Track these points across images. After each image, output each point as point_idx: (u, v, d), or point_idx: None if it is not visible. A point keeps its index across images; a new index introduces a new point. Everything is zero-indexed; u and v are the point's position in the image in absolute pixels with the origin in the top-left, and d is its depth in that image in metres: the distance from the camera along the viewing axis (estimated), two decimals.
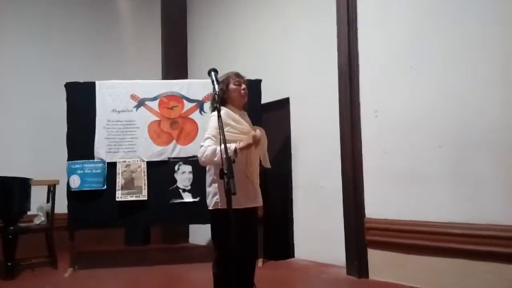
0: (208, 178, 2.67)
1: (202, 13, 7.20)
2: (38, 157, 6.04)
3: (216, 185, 2.59)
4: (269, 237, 5.11)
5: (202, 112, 5.00)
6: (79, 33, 6.82)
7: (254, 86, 4.79)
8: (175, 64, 7.38)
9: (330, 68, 4.58)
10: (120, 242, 6.59)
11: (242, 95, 2.74)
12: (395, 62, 4.06)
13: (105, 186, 4.80)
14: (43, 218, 5.04)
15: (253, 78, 4.67)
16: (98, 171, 4.81)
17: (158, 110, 5.00)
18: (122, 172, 4.84)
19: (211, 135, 2.53)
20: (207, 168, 2.69)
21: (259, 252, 4.70)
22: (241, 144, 2.50)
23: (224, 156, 2.24)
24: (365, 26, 4.32)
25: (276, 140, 5.36)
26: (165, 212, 4.84)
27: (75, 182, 4.75)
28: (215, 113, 2.49)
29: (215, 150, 2.44)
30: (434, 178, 3.68)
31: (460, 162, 3.51)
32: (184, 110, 5.03)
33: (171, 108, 5.02)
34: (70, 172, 4.77)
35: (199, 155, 2.57)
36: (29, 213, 4.96)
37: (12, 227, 4.64)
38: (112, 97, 4.96)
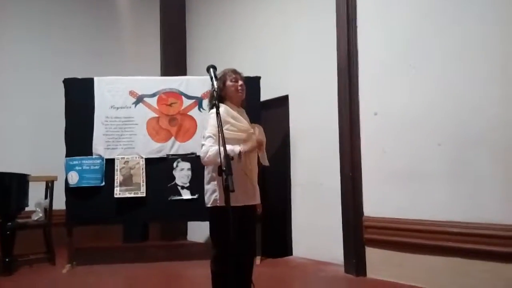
0: (207, 175, 2.66)
1: (201, 10, 7.19)
2: (36, 153, 6.03)
3: (214, 182, 2.58)
4: (267, 234, 5.12)
5: (201, 109, 4.99)
6: (78, 30, 6.81)
7: (253, 83, 4.79)
8: (174, 61, 7.37)
9: (329, 66, 4.57)
10: (118, 239, 6.59)
11: (239, 92, 2.72)
12: (394, 61, 4.05)
13: (103, 183, 4.79)
14: (41, 214, 5.04)
15: (252, 75, 4.66)
16: (96, 167, 4.80)
17: (157, 107, 4.99)
18: (120, 169, 4.83)
19: (212, 134, 2.51)
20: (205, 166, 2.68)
21: (257, 249, 4.71)
22: (246, 148, 2.49)
23: (223, 153, 2.23)
24: (364, 24, 4.31)
25: (275, 138, 5.36)
26: (164, 209, 4.83)
27: (73, 178, 4.74)
28: (214, 110, 2.48)
29: (218, 151, 2.41)
30: (432, 176, 3.69)
31: (459, 160, 3.51)
32: (183, 107, 5.02)
33: (170, 105, 5.01)
34: (68, 168, 4.77)
35: (201, 155, 2.54)
36: (27, 209, 4.97)
37: (10, 223, 4.64)
38: (111, 93, 4.94)
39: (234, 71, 2.75)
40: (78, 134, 4.84)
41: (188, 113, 5.01)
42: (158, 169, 4.88)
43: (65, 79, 4.93)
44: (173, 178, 4.91)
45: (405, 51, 3.96)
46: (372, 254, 4.14)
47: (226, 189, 2.12)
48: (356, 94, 4.31)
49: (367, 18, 4.30)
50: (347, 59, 4.36)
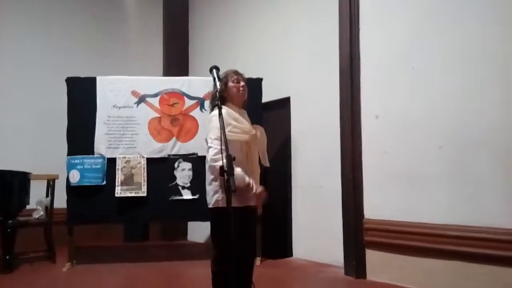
0: (208, 176, 2.66)
1: (204, 11, 7.20)
2: (38, 152, 6.03)
3: (216, 183, 2.58)
4: (267, 235, 5.12)
5: (203, 110, 5.00)
6: (80, 28, 6.80)
7: (255, 84, 4.80)
8: (176, 62, 7.37)
9: (330, 68, 4.58)
10: (119, 238, 6.59)
11: (241, 93, 2.72)
12: (395, 62, 4.06)
13: (105, 182, 4.80)
14: (42, 213, 5.05)
15: (254, 76, 4.67)
16: (98, 166, 4.81)
17: (159, 107, 5.00)
18: (121, 168, 4.84)
19: (217, 136, 2.47)
20: (207, 166, 2.68)
21: (257, 250, 4.71)
22: (255, 189, 2.52)
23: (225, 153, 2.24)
24: (367, 26, 4.32)
25: (276, 139, 5.37)
26: (164, 209, 4.84)
27: (75, 177, 4.75)
28: (216, 112, 2.47)
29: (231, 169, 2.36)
30: (433, 179, 3.69)
31: (460, 163, 3.51)
32: (184, 107, 5.03)
33: (172, 105, 5.02)
34: (70, 167, 4.78)
35: (209, 157, 2.51)
36: (28, 207, 4.97)
37: (11, 221, 4.65)
38: (113, 93, 4.95)
39: (236, 72, 2.75)
40: (80, 133, 4.85)
41: (190, 114, 5.02)
42: (159, 169, 4.88)
43: (67, 78, 4.94)
44: (174, 178, 4.91)
45: (406, 52, 3.97)
46: (372, 256, 4.14)
47: (228, 190, 2.12)
48: (357, 96, 4.32)
49: (369, 20, 4.31)
50: (349, 60, 4.36)
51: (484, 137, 3.37)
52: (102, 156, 4.84)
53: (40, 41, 6.48)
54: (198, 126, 4.99)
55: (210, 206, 2.62)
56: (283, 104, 5.47)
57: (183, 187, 4.90)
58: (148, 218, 5.31)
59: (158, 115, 4.98)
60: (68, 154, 4.82)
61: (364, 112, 4.28)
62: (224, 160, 2.25)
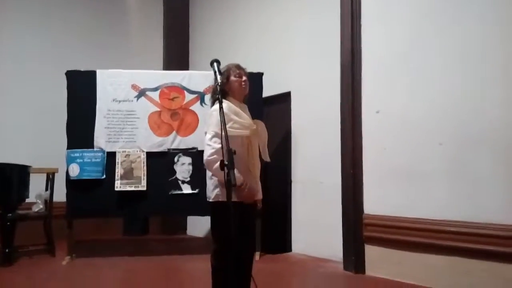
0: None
1: (204, 5, 7.17)
2: (37, 145, 6.02)
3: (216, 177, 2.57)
4: (267, 230, 5.12)
5: (203, 104, 4.99)
6: (80, 22, 6.77)
7: (256, 79, 4.78)
8: (177, 56, 7.36)
9: (332, 63, 4.57)
10: (118, 232, 6.60)
11: (243, 87, 2.71)
12: (397, 60, 4.05)
13: (104, 176, 4.80)
14: (41, 206, 5.06)
15: (255, 71, 4.65)
16: (98, 160, 4.81)
17: (159, 101, 4.99)
18: (121, 162, 4.84)
19: (216, 132, 2.47)
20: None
21: (257, 245, 4.72)
22: (243, 190, 2.48)
23: (225, 148, 2.23)
24: (368, 22, 4.30)
25: (277, 134, 5.36)
26: (164, 203, 4.84)
27: (74, 170, 4.75)
28: (216, 107, 2.46)
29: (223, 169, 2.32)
30: (433, 175, 3.69)
31: (459, 160, 3.51)
32: (185, 102, 5.02)
33: (172, 99, 5.00)
34: (70, 160, 4.77)
35: (205, 157, 2.51)
36: (27, 200, 4.97)
37: (10, 214, 4.65)
38: (113, 87, 4.94)
39: (238, 66, 2.74)
40: (80, 126, 4.84)
41: (190, 108, 5.01)
42: (159, 163, 4.88)
43: (67, 71, 4.93)
44: (174, 172, 4.91)
45: (407, 50, 3.96)
46: (371, 252, 4.14)
47: (228, 184, 2.12)
48: (358, 92, 4.31)
49: (371, 17, 4.29)
50: (350, 56, 4.35)
51: (483, 135, 3.37)
52: (102, 150, 4.84)
53: (40, 35, 6.46)
54: (198, 120, 4.98)
55: (210, 200, 2.62)
56: (284, 99, 5.46)
57: (183, 182, 4.90)
58: (148, 212, 5.32)
59: (158, 109, 4.97)
60: (68, 148, 4.81)
61: (364, 108, 4.28)
62: (225, 154, 2.24)
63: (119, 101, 4.93)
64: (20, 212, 4.84)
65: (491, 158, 3.32)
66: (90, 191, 4.75)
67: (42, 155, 5.55)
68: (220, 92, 2.49)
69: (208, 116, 2.62)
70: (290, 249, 5.26)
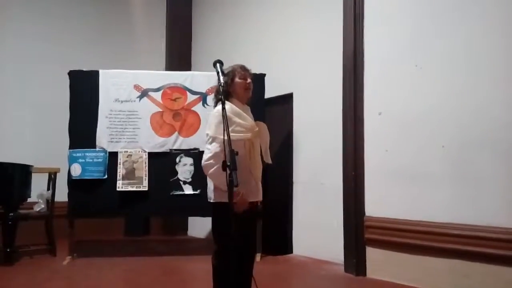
0: None
1: (207, 7, 7.17)
2: (39, 145, 6.03)
3: None
4: (268, 232, 5.12)
5: (205, 105, 4.99)
6: (83, 22, 6.78)
7: (258, 80, 4.76)
8: (179, 56, 7.37)
9: (334, 64, 4.56)
10: (120, 232, 6.60)
11: (247, 90, 2.69)
12: (399, 61, 4.04)
13: (106, 176, 4.80)
14: (43, 206, 5.06)
15: (257, 72, 4.64)
16: (100, 160, 4.81)
17: (161, 101, 4.99)
18: (123, 162, 4.84)
19: (216, 135, 2.48)
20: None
21: (258, 246, 4.71)
22: (239, 205, 2.44)
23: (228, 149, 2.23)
24: (371, 23, 4.30)
25: (278, 136, 5.36)
26: (165, 203, 4.84)
27: (76, 170, 4.75)
28: (219, 107, 2.46)
29: (223, 176, 2.27)
30: (435, 177, 3.68)
31: (461, 162, 3.51)
32: (187, 102, 5.02)
33: (174, 100, 5.01)
34: (72, 160, 4.78)
35: (203, 161, 2.53)
36: (29, 200, 4.98)
37: (12, 213, 4.66)
38: (116, 87, 4.95)
39: (244, 68, 2.72)
40: (82, 126, 4.85)
41: (192, 109, 5.02)
42: (161, 163, 4.88)
43: (70, 71, 4.94)
44: (176, 173, 4.91)
45: (410, 51, 3.96)
46: (373, 254, 4.14)
47: (230, 184, 2.12)
48: (361, 93, 4.31)
49: (373, 18, 4.29)
50: (353, 57, 4.35)
51: (486, 136, 3.36)
52: (104, 150, 4.84)
53: (43, 35, 6.46)
54: (200, 121, 4.98)
55: (211, 201, 2.61)
56: (286, 100, 5.46)
57: (184, 182, 4.90)
58: (149, 212, 5.32)
59: (160, 110, 4.98)
60: (70, 148, 4.82)
61: (367, 109, 4.27)
62: (228, 155, 2.24)
63: (122, 101, 4.93)
64: (21, 211, 4.84)
65: (493, 161, 3.31)
66: (92, 191, 4.75)
67: (44, 155, 5.57)
68: (223, 93, 2.49)
69: (211, 116, 2.62)
70: (291, 251, 5.25)
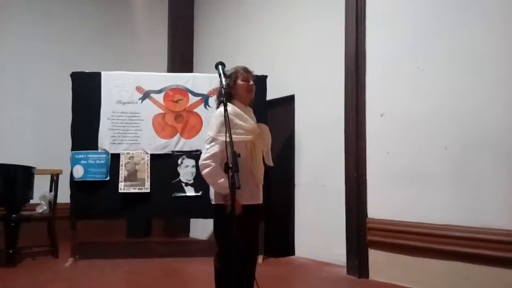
0: None
1: (209, 8, 7.19)
2: (42, 147, 6.05)
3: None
4: (270, 234, 5.11)
5: (207, 106, 5.00)
6: (85, 23, 6.81)
7: (260, 82, 4.77)
8: (181, 58, 7.38)
9: (336, 66, 4.56)
10: (122, 234, 6.60)
11: (250, 92, 2.70)
12: (401, 62, 4.04)
13: (108, 177, 4.81)
14: (45, 207, 5.06)
15: (259, 74, 4.64)
16: (102, 161, 4.82)
17: (163, 103, 5.00)
18: (125, 164, 4.84)
19: (215, 135, 2.50)
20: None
21: (260, 248, 4.71)
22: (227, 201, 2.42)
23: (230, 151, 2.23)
24: (373, 25, 4.30)
25: (280, 137, 5.36)
26: (167, 205, 4.84)
27: (79, 172, 4.76)
28: (221, 109, 2.46)
29: (216, 175, 2.43)
30: (437, 179, 3.67)
31: (463, 164, 3.50)
32: (189, 104, 5.02)
33: (176, 102, 5.01)
34: (74, 162, 4.78)
35: (201, 159, 2.53)
36: (31, 201, 4.98)
37: (14, 215, 4.66)
38: (118, 88, 4.95)
39: (246, 70, 2.71)
40: (84, 128, 4.85)
41: (194, 110, 5.02)
42: (163, 165, 4.89)
43: (72, 72, 4.95)
44: (178, 174, 4.91)
45: (412, 52, 3.95)
46: (375, 256, 4.13)
47: (233, 186, 2.12)
48: (363, 95, 4.30)
49: (375, 19, 4.29)
50: (355, 59, 4.34)
51: (488, 137, 3.36)
52: (106, 152, 4.85)
53: (43, 34, 6.47)
54: (202, 122, 4.98)
55: (213, 202, 2.61)
56: (288, 101, 5.46)
57: (186, 184, 4.90)
58: (151, 214, 5.31)
59: (162, 111, 4.98)
60: (72, 149, 4.82)
61: (368, 111, 4.27)
62: (230, 157, 2.24)
63: (124, 103, 4.94)
64: (24, 213, 4.85)
65: (495, 162, 3.31)
66: (94, 193, 4.75)
67: (46, 156, 5.57)
68: (225, 95, 2.49)
69: (212, 118, 2.62)
70: (293, 253, 5.24)
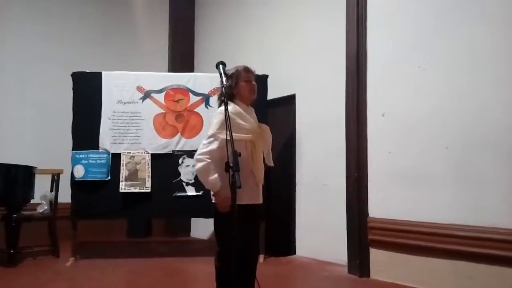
0: None
1: (209, 8, 7.18)
2: (43, 146, 6.05)
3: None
4: (270, 233, 5.11)
5: (208, 106, 5.00)
6: (86, 23, 6.81)
7: (261, 81, 4.75)
8: (182, 58, 7.38)
9: (337, 65, 4.56)
10: (122, 234, 6.61)
11: (252, 92, 2.69)
12: (403, 62, 4.03)
13: (109, 177, 4.81)
14: (46, 207, 5.07)
15: (259, 73, 4.64)
16: (103, 161, 4.82)
17: (164, 103, 5.00)
18: (126, 164, 4.84)
19: (215, 133, 2.51)
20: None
21: (261, 247, 4.71)
22: (222, 195, 2.46)
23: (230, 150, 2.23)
24: (374, 25, 4.30)
25: (281, 137, 5.36)
26: (168, 204, 4.84)
27: (79, 172, 4.76)
28: (222, 108, 2.46)
29: (208, 171, 2.45)
30: (438, 178, 3.67)
31: (464, 163, 3.50)
32: (189, 104, 5.02)
33: (177, 101, 5.01)
34: (75, 161, 4.79)
35: (197, 154, 2.54)
36: (32, 201, 4.98)
37: (15, 215, 4.66)
38: (118, 88, 4.95)
39: (247, 70, 2.71)
40: (85, 128, 4.85)
41: (194, 110, 5.02)
42: (164, 165, 4.89)
43: (73, 72, 4.95)
44: (178, 174, 4.91)
45: (413, 52, 3.95)
46: (376, 255, 4.12)
47: (233, 186, 2.12)
48: (364, 95, 4.30)
49: (376, 19, 4.28)
50: (356, 59, 4.34)
51: (489, 137, 3.35)
52: (107, 151, 4.85)
53: (43, 34, 6.46)
54: (203, 122, 4.99)
55: (214, 201, 2.61)
56: (289, 101, 5.45)
57: (187, 184, 4.90)
58: (152, 213, 5.31)
59: (163, 111, 4.98)
60: (73, 149, 4.82)
61: (369, 110, 4.27)
62: (230, 156, 2.24)
63: (124, 103, 4.94)
64: (25, 213, 4.85)
65: (496, 162, 3.30)
66: (95, 192, 4.76)
67: (47, 156, 5.58)
68: (226, 95, 2.49)
69: (213, 117, 2.62)
70: (294, 252, 5.24)
